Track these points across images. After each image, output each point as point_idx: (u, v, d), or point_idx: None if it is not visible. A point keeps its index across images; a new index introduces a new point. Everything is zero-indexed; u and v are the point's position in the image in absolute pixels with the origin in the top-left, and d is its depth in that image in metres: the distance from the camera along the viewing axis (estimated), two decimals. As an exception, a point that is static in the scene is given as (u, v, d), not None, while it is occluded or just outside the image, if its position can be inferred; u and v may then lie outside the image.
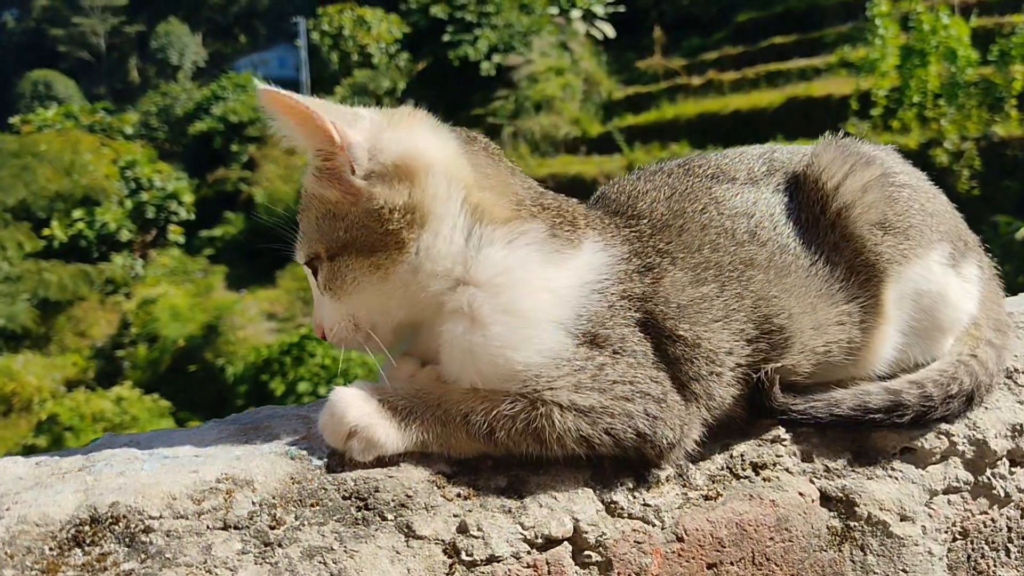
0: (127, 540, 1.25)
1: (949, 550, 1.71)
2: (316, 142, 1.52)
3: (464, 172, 1.56)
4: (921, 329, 1.74)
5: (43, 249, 31.08)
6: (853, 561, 1.63)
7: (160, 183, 33.52)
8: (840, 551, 1.62)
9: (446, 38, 31.38)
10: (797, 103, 23.57)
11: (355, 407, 1.42)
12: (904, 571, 1.66)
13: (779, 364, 1.61)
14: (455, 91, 29.65)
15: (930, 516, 1.69)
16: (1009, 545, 1.78)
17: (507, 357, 1.46)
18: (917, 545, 1.67)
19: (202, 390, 22.83)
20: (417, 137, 1.54)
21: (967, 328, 1.82)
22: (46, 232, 31.42)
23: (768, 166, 1.77)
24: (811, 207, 1.70)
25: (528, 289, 1.49)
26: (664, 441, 1.49)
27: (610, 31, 32.65)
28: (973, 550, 1.74)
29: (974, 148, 18.43)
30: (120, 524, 1.26)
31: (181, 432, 1.55)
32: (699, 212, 1.66)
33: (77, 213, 31.70)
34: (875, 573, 1.64)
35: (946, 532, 1.71)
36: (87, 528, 1.25)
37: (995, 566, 1.76)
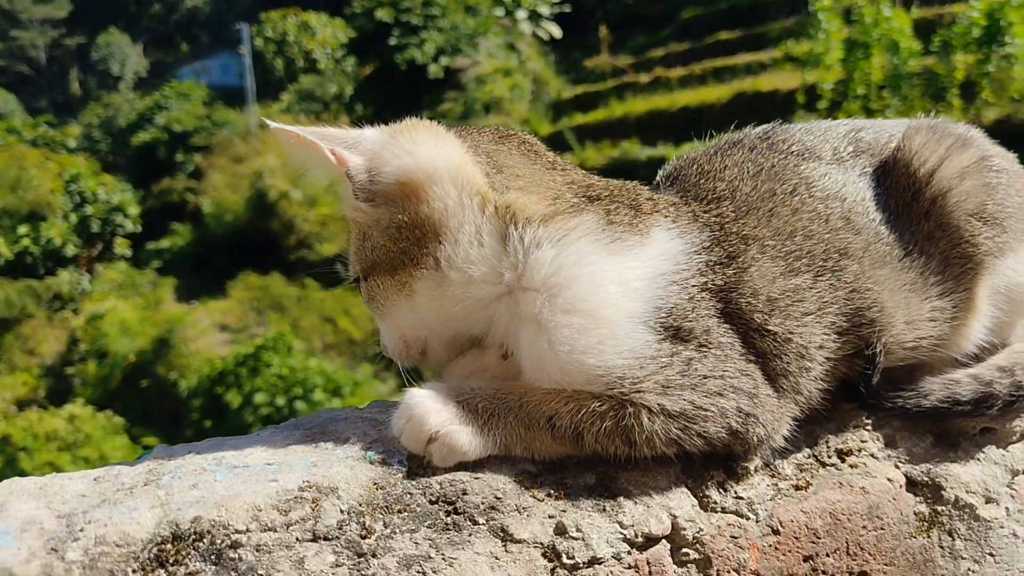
0: (214, 557, 1.15)
1: (1031, 531, 1.67)
2: (328, 170, 1.49)
3: (476, 177, 1.47)
4: (1006, 318, 1.69)
5: (-11, 267, 30.32)
6: (942, 547, 1.58)
7: (105, 196, 32.78)
8: (929, 537, 1.57)
9: (392, 42, 31.16)
10: (745, 98, 23.75)
11: (434, 412, 1.34)
12: (991, 554, 1.61)
13: (873, 352, 1.55)
14: (403, 95, 29.46)
15: (1012, 497, 1.65)
16: (1087, 523, 1.74)
17: (580, 362, 1.38)
18: (1003, 527, 1.62)
19: (156, 405, 22.41)
20: (418, 150, 1.47)
21: None
22: (-9, 249, 30.65)
23: (855, 146, 1.67)
24: (903, 193, 1.61)
25: (590, 285, 1.41)
26: (755, 439, 1.43)
27: (556, 31, 32.67)
28: (1054, 530, 1.70)
29: (919, 138, 18.77)
30: (205, 540, 1.16)
31: (241, 439, 1.44)
32: (789, 194, 1.57)
33: (22, 229, 30.92)
34: (963, 558, 1.59)
35: (1028, 513, 1.67)
36: (169, 546, 1.15)
37: (1075, 545, 1.72)
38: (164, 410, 21.59)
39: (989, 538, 1.61)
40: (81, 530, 1.14)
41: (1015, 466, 1.66)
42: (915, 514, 1.56)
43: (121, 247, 32.80)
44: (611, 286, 1.41)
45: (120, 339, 25.53)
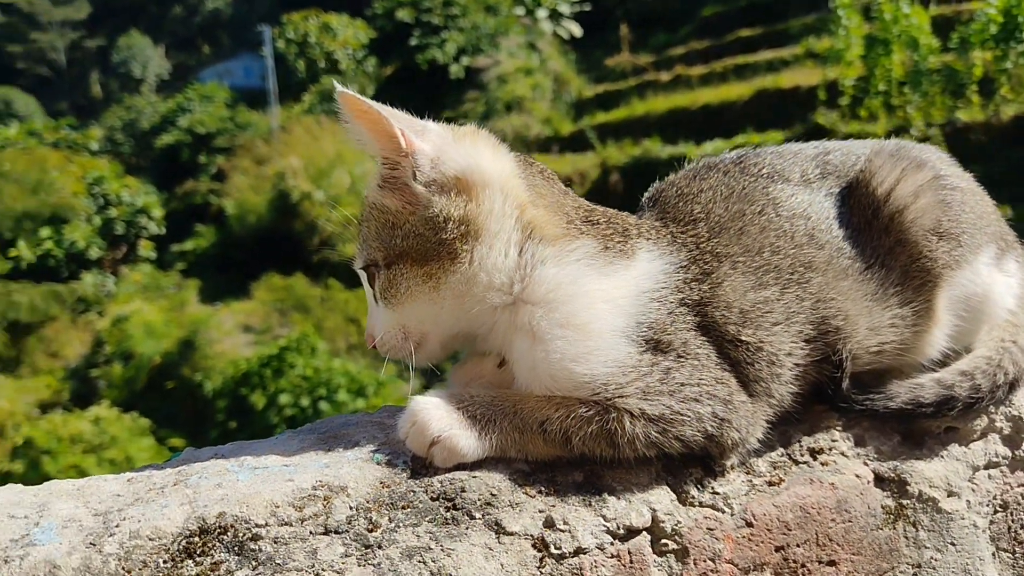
0: (237, 548, 1.30)
1: (991, 522, 1.79)
2: (384, 148, 1.58)
3: (520, 191, 1.62)
4: (966, 325, 1.81)
5: (10, 270, 30.68)
6: (906, 537, 1.70)
7: (129, 198, 33.14)
8: (895, 528, 1.70)
9: (413, 42, 31.37)
10: (766, 95, 23.74)
11: (437, 418, 1.48)
12: (952, 544, 1.73)
13: (841, 358, 1.68)
14: (424, 95, 29.56)
15: (973, 491, 1.77)
16: (1049, 516, 1.86)
17: (570, 370, 1.52)
18: (963, 519, 1.75)
19: (181, 406, 22.62)
20: (479, 154, 1.60)
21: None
22: (13, 253, 30.99)
23: (822, 168, 1.81)
24: (864, 211, 1.74)
25: (583, 302, 1.55)
26: (729, 442, 1.56)
27: (577, 30, 32.77)
28: (1013, 521, 1.82)
29: (940, 134, 18.71)
30: (229, 533, 1.31)
31: (261, 443, 1.59)
32: (757, 214, 1.71)
33: (45, 232, 31.27)
34: (926, 547, 1.71)
35: (987, 505, 1.79)
36: (197, 539, 1.29)
37: (1036, 537, 1.84)
38: (189, 411, 21.77)
39: (951, 529, 1.73)
40: (116, 526, 1.29)
41: (975, 462, 1.79)
42: (882, 507, 1.69)
43: (145, 249, 33.12)
44: (601, 304, 1.56)
45: (145, 341, 25.78)
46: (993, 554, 1.79)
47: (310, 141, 29.43)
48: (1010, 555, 1.81)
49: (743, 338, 1.59)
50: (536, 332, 1.55)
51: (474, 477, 1.47)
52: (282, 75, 37.52)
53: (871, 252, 1.73)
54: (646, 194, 1.84)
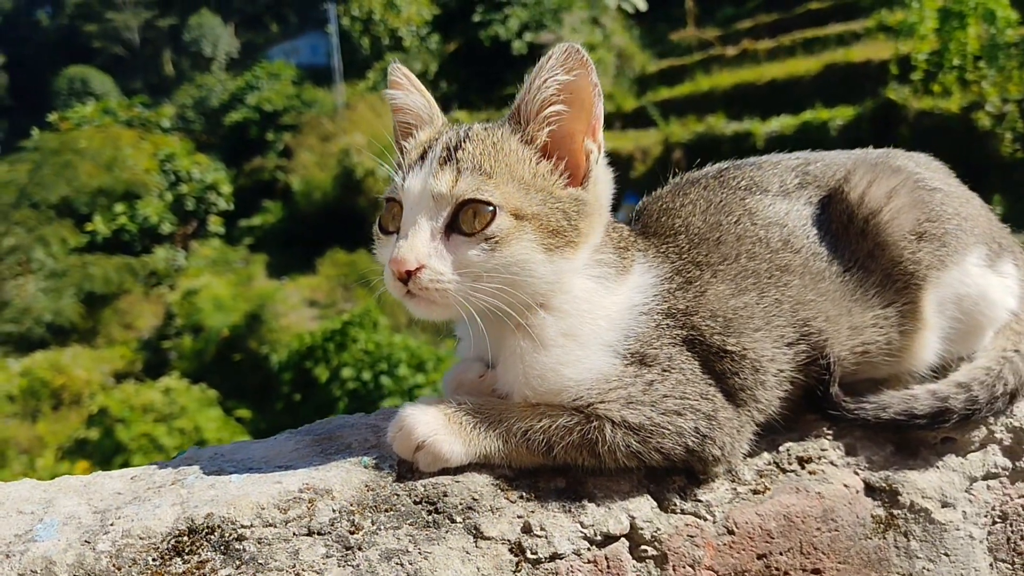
0: (222, 548, 1.37)
1: (989, 533, 1.78)
2: (583, 128, 1.62)
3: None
4: (963, 329, 1.80)
5: (87, 244, 31.60)
6: (897, 547, 1.71)
7: (199, 175, 33.88)
8: (884, 538, 1.70)
9: (476, 18, 31.35)
10: (835, 69, 23.28)
11: (422, 423, 1.52)
12: (946, 554, 1.73)
13: (828, 361, 1.69)
14: (487, 71, 29.62)
15: (970, 501, 1.77)
16: (1049, 527, 1.84)
17: (558, 372, 1.56)
18: (958, 530, 1.74)
19: (248, 378, 23.09)
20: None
21: (1008, 322, 1.87)
22: (89, 227, 31.94)
23: (801, 179, 1.83)
24: (840, 216, 1.77)
25: (589, 317, 1.60)
26: (711, 457, 1.59)
27: (641, 4, 32.38)
28: (1012, 532, 1.81)
29: (1016, 110, 18.15)
30: (215, 533, 1.37)
31: (260, 444, 1.66)
32: (734, 223, 1.75)
33: (119, 207, 32.15)
34: (918, 557, 1.72)
35: (986, 516, 1.78)
36: (185, 539, 1.37)
37: (1036, 548, 1.83)
38: (256, 383, 22.20)
39: (944, 539, 1.73)
40: (112, 524, 1.37)
41: (973, 473, 1.78)
42: (872, 517, 1.70)
43: (215, 224, 33.84)
44: (602, 320, 1.61)
45: (214, 314, 26.35)
46: (991, 565, 1.78)
47: (374, 118, 29.65)
48: (1009, 566, 1.80)
49: (728, 348, 1.61)
50: (541, 338, 1.58)
51: (457, 482, 1.51)
52: (347, 53, 37.85)
53: (850, 255, 1.75)
54: (635, 209, 1.87)
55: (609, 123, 27.68)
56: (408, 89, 1.74)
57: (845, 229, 1.76)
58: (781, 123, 22.24)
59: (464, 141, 1.61)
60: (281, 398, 19.10)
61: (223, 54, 60.01)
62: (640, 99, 28.50)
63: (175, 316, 27.91)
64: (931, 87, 19.33)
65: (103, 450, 16.08)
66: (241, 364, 24.25)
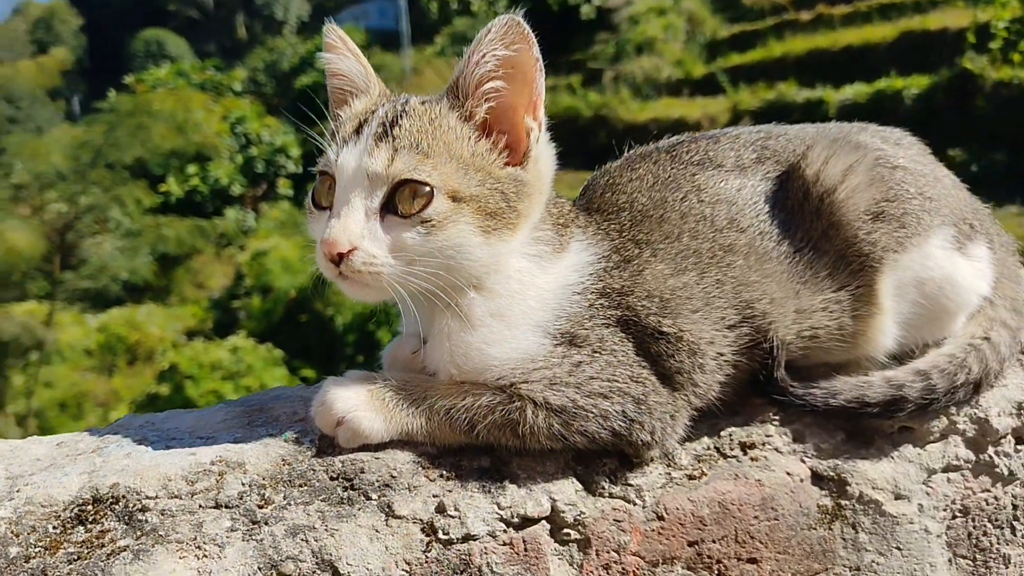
0: (126, 518, 1.37)
1: (948, 527, 1.71)
2: (524, 103, 1.56)
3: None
4: (926, 314, 1.71)
5: (160, 205, 32.28)
6: (844, 539, 1.64)
7: (268, 138, 34.32)
8: (830, 529, 1.64)
9: (545, -18, 31.03)
10: (911, 37, 22.56)
11: (343, 399, 1.50)
12: (898, 548, 1.66)
13: (772, 345, 1.62)
14: (555, 36, 29.30)
15: (927, 494, 1.69)
16: (1015, 523, 1.75)
17: (483, 352, 1.52)
18: (912, 523, 1.67)
19: (313, 339, 23.47)
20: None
21: (981, 308, 1.77)
22: (163, 188, 32.62)
23: (759, 154, 1.74)
24: (796, 193, 1.68)
25: (520, 298, 1.55)
26: (640, 442, 1.53)
27: (713, -33, 31.71)
28: (975, 528, 1.73)
29: (1101, 80, 17.39)
30: (120, 504, 1.38)
31: (191, 414, 1.66)
32: (680, 200, 1.67)
33: (191, 169, 32.76)
34: (867, 550, 1.65)
35: (945, 510, 1.70)
36: (89, 507, 1.37)
37: (999, 543, 1.74)
38: (321, 344, 22.57)
39: (896, 533, 1.66)
40: (18, 491, 1.38)
41: (932, 465, 1.69)
42: (818, 507, 1.63)
43: (284, 187, 34.28)
44: (532, 301, 1.56)
45: (282, 276, 26.76)
46: (949, 560, 1.70)
47: (441, 83, 29.32)
48: (970, 562, 1.72)
49: (664, 329, 1.56)
50: (469, 317, 1.54)
51: (376, 459, 1.49)
52: (415, 17, 37.83)
53: (802, 235, 1.67)
54: (585, 184, 1.81)
55: (677, 90, 27.40)
56: (343, 53, 1.69)
57: (800, 208, 1.68)
58: (855, 91, 21.67)
59: (401, 116, 1.55)
60: (344, 359, 19.36)
61: (294, 17, 60.41)
62: (709, 65, 27.95)
63: (244, 276, 28.44)
64: (1010, 56, 18.59)
65: (173, 405, 16.45)
66: (307, 325, 24.64)
